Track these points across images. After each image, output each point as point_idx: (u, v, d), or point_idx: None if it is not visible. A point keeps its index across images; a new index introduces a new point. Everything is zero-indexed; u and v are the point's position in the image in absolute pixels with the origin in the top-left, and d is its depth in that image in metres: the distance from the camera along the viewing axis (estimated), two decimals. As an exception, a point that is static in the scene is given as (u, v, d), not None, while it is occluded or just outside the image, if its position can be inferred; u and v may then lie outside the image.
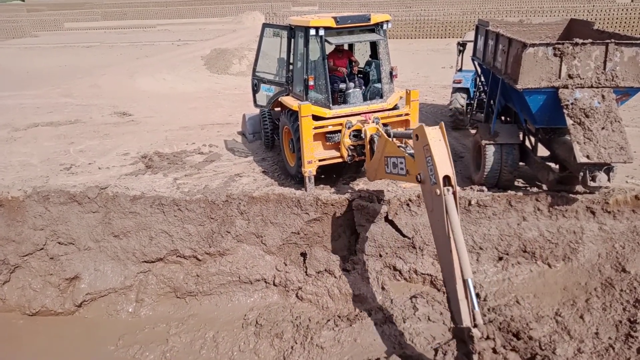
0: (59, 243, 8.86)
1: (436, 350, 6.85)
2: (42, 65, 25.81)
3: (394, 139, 7.26)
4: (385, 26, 8.57)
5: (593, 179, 7.04)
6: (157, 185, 9.15)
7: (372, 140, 7.79)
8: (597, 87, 7.14)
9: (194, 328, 8.01)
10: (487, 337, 5.33)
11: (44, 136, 12.82)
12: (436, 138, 5.77)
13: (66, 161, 10.78)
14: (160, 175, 9.74)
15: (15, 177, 9.79)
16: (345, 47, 9.45)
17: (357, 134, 8.24)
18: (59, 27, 46.74)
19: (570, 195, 7.84)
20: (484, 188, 8.33)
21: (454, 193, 5.68)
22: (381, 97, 8.72)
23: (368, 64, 9.30)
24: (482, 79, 10.69)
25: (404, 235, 8.21)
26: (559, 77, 7.15)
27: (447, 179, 5.68)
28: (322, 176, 9.11)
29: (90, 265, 8.80)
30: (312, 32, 8.02)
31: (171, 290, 8.67)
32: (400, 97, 8.91)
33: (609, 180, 7.07)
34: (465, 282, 5.56)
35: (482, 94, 11.29)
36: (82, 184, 9.16)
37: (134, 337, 7.95)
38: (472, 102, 11.90)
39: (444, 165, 5.67)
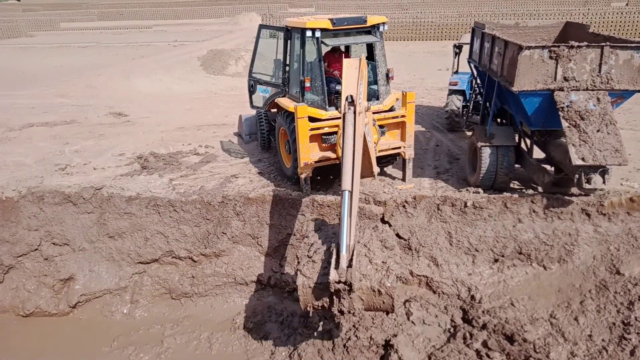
0: (54, 244, 8.82)
1: (430, 357, 6.86)
2: (38, 65, 25.70)
3: None
4: (381, 28, 8.57)
5: (588, 181, 7.05)
6: (152, 186, 9.12)
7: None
8: (593, 90, 7.16)
9: (189, 329, 8.00)
10: (344, 282, 5.24)
11: (39, 136, 12.76)
12: (352, 66, 6.18)
13: (61, 161, 10.73)
14: (155, 176, 9.71)
15: (9, 178, 9.74)
16: (342, 49, 9.46)
17: None
18: (55, 27, 46.55)
19: (566, 197, 7.87)
20: (480, 190, 8.35)
21: (355, 112, 5.91)
22: (377, 98, 8.72)
23: (364, 65, 9.31)
24: (478, 81, 10.71)
25: (400, 237, 8.21)
26: (555, 80, 7.16)
27: (351, 98, 5.99)
28: (318, 177, 9.11)
29: (85, 266, 8.77)
30: (309, 33, 8.03)
31: (166, 291, 8.65)
32: (397, 99, 8.92)
33: (604, 182, 7.09)
34: (342, 192, 5.57)
35: (478, 96, 11.32)
36: (77, 184, 9.12)
37: (128, 338, 7.94)
38: (468, 104, 11.93)
39: (350, 86, 6.03)
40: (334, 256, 5.39)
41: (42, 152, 11.39)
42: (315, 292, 5.52)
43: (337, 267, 5.24)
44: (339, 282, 5.20)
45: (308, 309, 5.66)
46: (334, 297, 5.37)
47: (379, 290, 5.44)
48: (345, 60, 6.36)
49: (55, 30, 45.57)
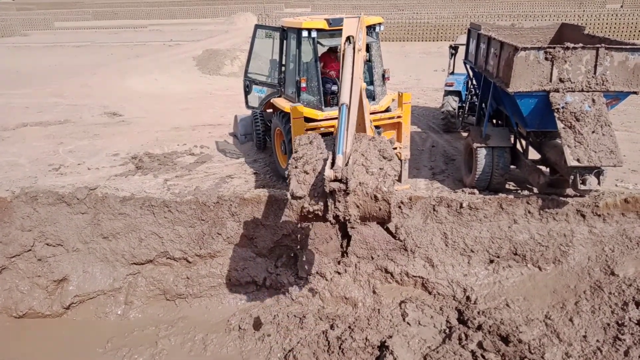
0: (47, 244, 8.75)
1: (425, 358, 6.85)
2: (32, 64, 25.55)
3: None
4: (377, 29, 8.56)
5: (583, 182, 7.08)
6: (147, 187, 9.08)
7: None
8: (588, 91, 7.18)
9: (183, 331, 7.95)
10: (340, 180, 5.00)
11: (32, 136, 12.67)
12: (353, 19, 6.64)
13: (55, 161, 10.66)
14: (150, 176, 9.66)
15: (3, 178, 9.66)
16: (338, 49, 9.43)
17: None
18: (49, 26, 46.30)
19: (561, 198, 7.88)
20: (476, 191, 8.36)
21: (354, 49, 6.15)
22: (373, 99, 8.71)
23: (360, 66, 9.29)
24: (474, 82, 10.73)
25: (395, 238, 8.20)
26: (550, 81, 7.18)
27: (350, 38, 6.28)
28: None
29: (79, 267, 8.70)
30: (305, 33, 8.01)
31: (161, 292, 8.60)
32: (393, 100, 8.91)
33: (599, 183, 7.11)
34: (340, 106, 5.59)
35: (474, 97, 11.34)
36: (71, 184, 9.06)
37: (122, 339, 7.88)
38: (464, 105, 11.95)
39: (350, 29, 6.40)
40: (329, 160, 5.15)
41: (36, 152, 11.32)
42: (308, 201, 5.27)
43: (332, 167, 5.03)
44: (335, 179, 4.98)
45: (301, 221, 5.43)
46: (329, 200, 5.16)
47: (375, 196, 5.22)
48: (345, 19, 6.66)
49: (50, 30, 45.33)
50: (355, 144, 5.63)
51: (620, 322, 6.94)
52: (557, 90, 7.18)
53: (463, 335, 7.07)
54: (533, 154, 8.65)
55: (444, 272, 8.06)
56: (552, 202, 7.87)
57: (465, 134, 11.66)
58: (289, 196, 5.33)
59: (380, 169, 5.37)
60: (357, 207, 5.24)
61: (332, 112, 8.27)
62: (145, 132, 12.89)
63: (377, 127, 8.40)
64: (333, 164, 5.05)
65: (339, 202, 5.14)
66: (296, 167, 5.49)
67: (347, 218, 5.25)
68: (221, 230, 8.54)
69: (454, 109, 11.90)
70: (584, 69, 7.13)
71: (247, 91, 10.36)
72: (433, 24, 31.13)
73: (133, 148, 11.46)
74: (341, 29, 8.16)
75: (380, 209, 5.30)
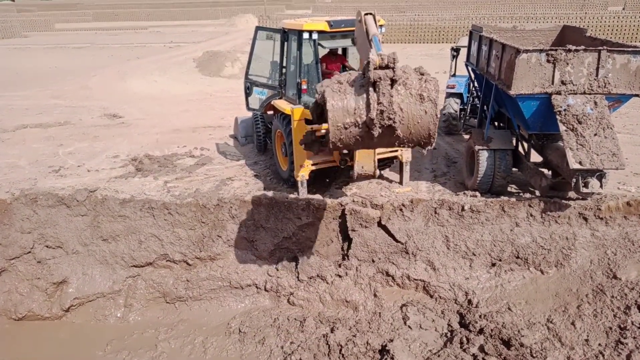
0: (47, 246, 8.71)
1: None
2: (32, 66, 25.55)
3: None
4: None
5: (585, 185, 7.05)
6: (147, 189, 9.05)
7: None
8: (590, 94, 7.16)
9: (183, 334, 7.91)
10: (387, 67, 4.65)
11: (32, 138, 12.65)
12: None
13: (55, 163, 10.63)
14: (150, 179, 9.63)
15: (2, 179, 9.64)
16: (339, 51, 9.42)
17: None
18: (50, 27, 46.38)
19: (563, 201, 7.85)
20: (477, 193, 8.33)
21: (374, 18, 6.24)
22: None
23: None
24: (476, 84, 10.70)
25: (396, 241, 8.17)
26: (552, 83, 7.16)
27: (368, 14, 6.30)
28: (315, 180, 9.05)
29: (79, 270, 8.67)
30: (306, 35, 7.99)
31: (160, 295, 8.56)
32: (394, 102, 8.86)
33: (601, 186, 7.08)
34: (371, 39, 5.66)
35: (476, 100, 11.32)
36: (71, 186, 9.03)
37: (122, 342, 7.84)
38: (466, 107, 11.93)
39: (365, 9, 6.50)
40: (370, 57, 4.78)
41: (36, 154, 11.29)
42: (346, 110, 4.82)
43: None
44: (380, 66, 4.58)
45: (339, 144, 5.02)
46: (371, 98, 4.69)
47: (420, 95, 4.82)
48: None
49: (50, 31, 45.38)
50: None
51: (622, 325, 6.90)
52: (559, 93, 7.16)
53: (464, 339, 7.03)
54: (535, 157, 8.61)
55: (445, 276, 8.02)
56: (554, 205, 7.84)
57: (466, 137, 11.62)
58: (327, 102, 4.88)
59: (419, 79, 5.02)
60: (401, 109, 4.85)
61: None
62: (145, 134, 12.87)
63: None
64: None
65: (384, 94, 4.70)
66: (330, 80, 5.13)
67: (391, 117, 4.80)
68: (221, 232, 8.51)
69: (456, 111, 11.88)
70: (586, 72, 7.11)
71: (247, 93, 10.34)
72: (434, 26, 31.14)
73: (133, 150, 11.43)
74: (342, 31, 8.22)
75: (426, 112, 4.89)
